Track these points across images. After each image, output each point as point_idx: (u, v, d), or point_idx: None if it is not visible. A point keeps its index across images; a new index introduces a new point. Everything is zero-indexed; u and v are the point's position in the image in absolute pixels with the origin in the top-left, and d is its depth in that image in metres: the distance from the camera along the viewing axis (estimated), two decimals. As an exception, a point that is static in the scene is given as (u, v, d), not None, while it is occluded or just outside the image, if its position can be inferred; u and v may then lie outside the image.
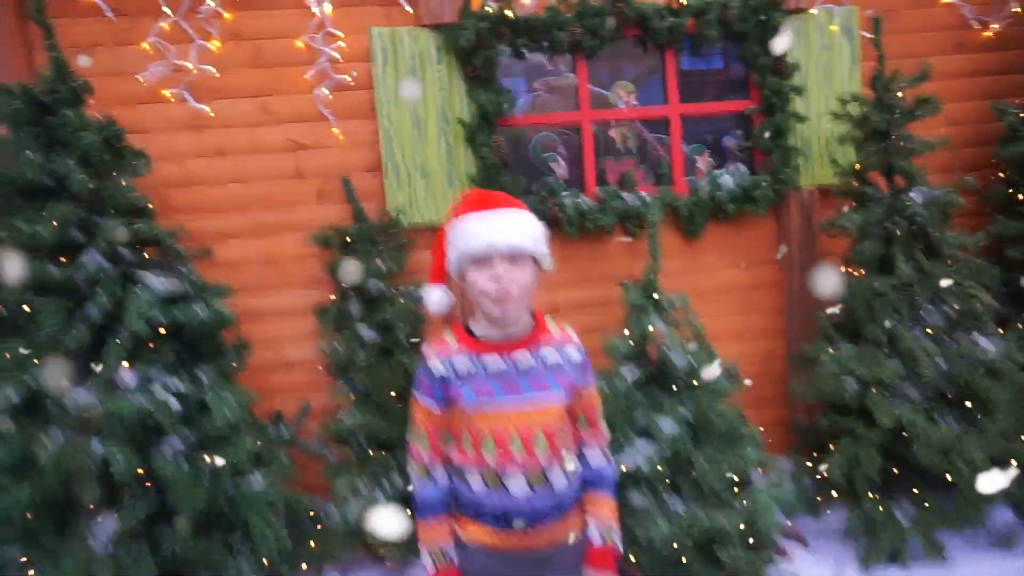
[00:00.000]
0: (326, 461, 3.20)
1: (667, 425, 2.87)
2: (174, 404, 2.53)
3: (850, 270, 3.48)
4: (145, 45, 3.18)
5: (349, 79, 3.35)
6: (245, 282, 3.36)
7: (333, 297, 3.18)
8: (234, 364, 2.91)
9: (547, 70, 3.57)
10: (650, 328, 2.95)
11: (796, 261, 3.85)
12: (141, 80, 3.18)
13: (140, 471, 2.42)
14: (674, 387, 2.96)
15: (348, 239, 3.22)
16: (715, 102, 3.76)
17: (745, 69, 3.76)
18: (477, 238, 1.74)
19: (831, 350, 3.33)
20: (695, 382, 2.96)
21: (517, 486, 1.86)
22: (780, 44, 3.21)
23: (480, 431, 1.85)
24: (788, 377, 3.96)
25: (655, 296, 3.07)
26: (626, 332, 3.09)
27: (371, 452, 3.02)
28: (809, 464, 3.49)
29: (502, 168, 3.42)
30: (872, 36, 3.69)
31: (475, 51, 3.29)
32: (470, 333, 1.89)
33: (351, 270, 3.04)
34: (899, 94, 3.16)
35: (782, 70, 3.63)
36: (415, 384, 1.92)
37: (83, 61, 3.02)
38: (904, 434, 3.07)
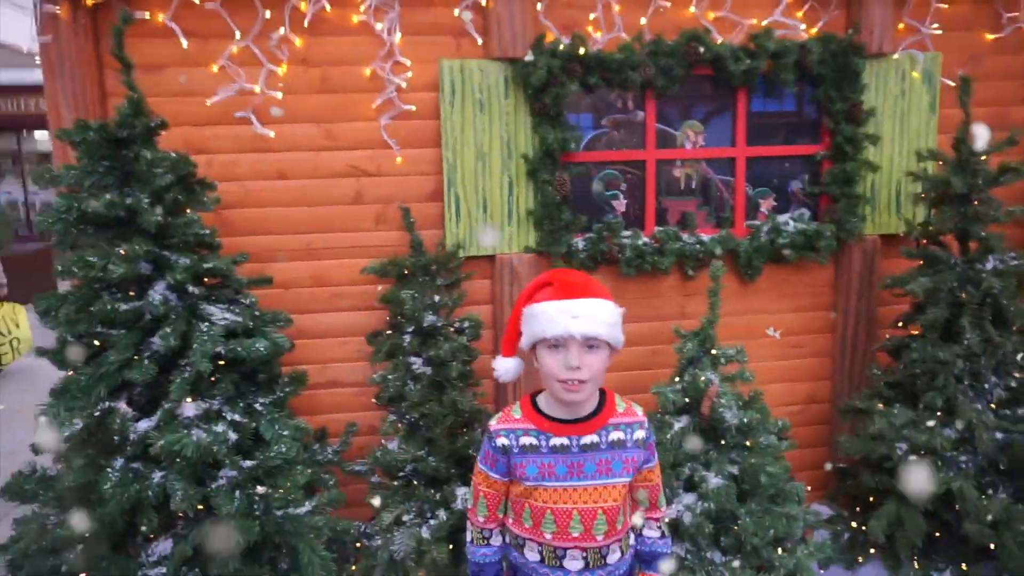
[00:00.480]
0: (370, 485, 3.24)
1: (714, 480, 2.85)
2: (231, 436, 2.57)
3: (911, 329, 3.40)
4: (214, 67, 3.19)
5: (415, 108, 3.32)
6: (297, 301, 3.39)
7: (389, 332, 3.18)
8: (288, 392, 2.94)
9: (615, 107, 3.50)
10: (704, 381, 2.92)
11: (852, 308, 3.77)
12: (208, 104, 3.19)
13: (199, 506, 2.47)
14: (723, 441, 2.93)
15: (405, 271, 3.22)
16: (784, 145, 3.66)
17: (818, 113, 3.65)
18: (554, 324, 1.74)
19: (881, 407, 3.27)
20: (747, 441, 2.92)
21: (574, 564, 1.88)
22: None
23: (541, 508, 1.87)
24: (829, 419, 3.92)
25: (712, 349, 3.03)
26: (676, 380, 3.06)
27: (417, 485, 3.05)
28: (845, 513, 3.45)
29: (563, 205, 3.38)
30: (954, 84, 3.57)
31: (545, 88, 3.23)
32: (537, 408, 1.89)
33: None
34: (983, 157, 3.04)
35: (857, 116, 3.52)
36: (480, 454, 1.94)
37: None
38: (951, 502, 3.02)
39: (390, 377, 3.10)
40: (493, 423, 1.92)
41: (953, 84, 3.66)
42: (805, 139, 3.68)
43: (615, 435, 1.86)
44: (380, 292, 3.29)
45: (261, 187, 3.32)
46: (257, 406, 2.76)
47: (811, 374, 3.91)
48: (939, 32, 3.60)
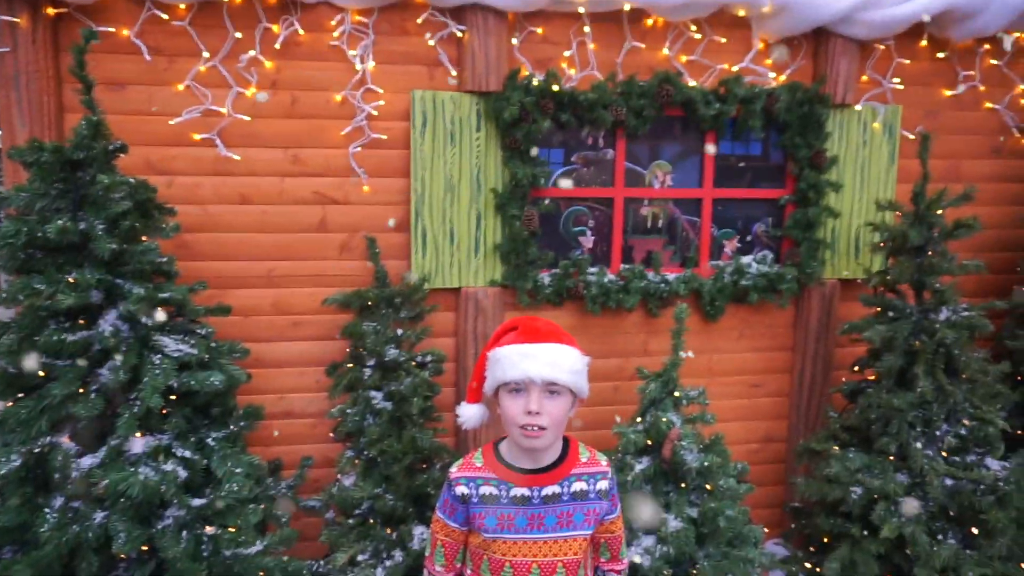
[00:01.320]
0: (325, 523, 3.16)
1: (673, 523, 2.84)
2: (181, 473, 2.47)
3: (866, 374, 3.47)
4: (180, 87, 3.10)
5: (385, 137, 3.28)
6: (256, 328, 3.31)
7: (349, 365, 3.11)
8: (242, 426, 2.85)
9: (586, 143, 3.51)
10: (666, 423, 2.92)
11: (810, 351, 3.83)
12: (172, 123, 3.10)
13: (143, 548, 2.37)
14: (683, 484, 2.94)
15: (368, 303, 3.16)
16: (750, 188, 3.72)
17: (783, 158, 3.72)
18: (515, 368, 1.72)
19: (836, 450, 3.32)
20: (707, 484, 2.93)
21: (534, 616, 1.85)
22: None
23: (499, 560, 1.83)
24: (785, 458, 3.97)
25: (674, 391, 3.03)
26: (638, 420, 3.05)
27: (373, 523, 2.97)
28: (800, 554, 3.49)
29: (530, 240, 3.37)
30: (913, 136, 3.69)
31: (517, 123, 3.23)
32: (499, 456, 1.86)
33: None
34: (939, 212, 3.13)
35: (820, 163, 3.60)
36: (439, 501, 1.90)
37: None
38: (903, 546, 3.08)
39: (349, 411, 3.03)
40: (453, 470, 1.88)
41: (912, 136, 3.79)
42: (770, 183, 3.75)
43: (578, 486, 1.84)
44: (342, 324, 3.22)
45: (223, 211, 3.23)
46: (209, 441, 2.66)
47: (769, 413, 3.96)
48: (900, 86, 3.71)
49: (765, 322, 3.86)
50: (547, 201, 3.43)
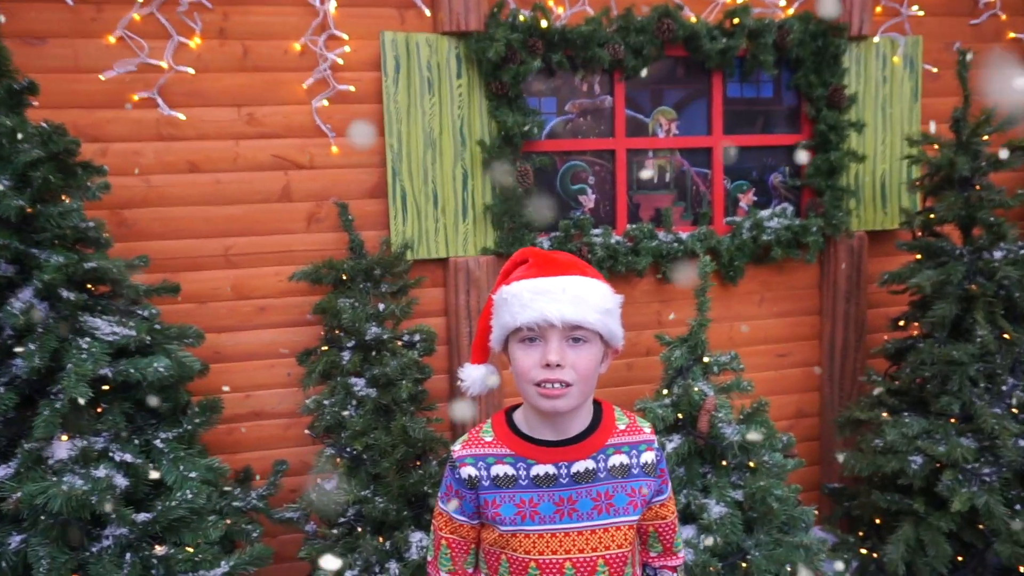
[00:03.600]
0: (305, 536, 2.69)
1: (716, 508, 2.42)
2: (120, 482, 2.01)
3: (911, 330, 3.09)
4: (111, 38, 2.67)
5: (353, 89, 2.87)
6: (215, 317, 2.85)
7: (324, 348, 2.67)
8: (197, 423, 2.39)
9: (581, 91, 3.12)
10: (698, 393, 2.51)
11: (840, 313, 3.45)
12: (102, 79, 2.66)
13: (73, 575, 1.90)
14: (724, 462, 2.52)
15: (343, 275, 2.73)
16: (763, 134, 3.35)
17: (797, 100, 3.36)
18: (527, 309, 1.31)
19: (887, 417, 2.92)
20: (750, 462, 2.52)
21: (568, 632, 1.42)
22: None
23: (522, 560, 1.41)
24: (819, 434, 3.58)
25: (703, 357, 2.63)
26: (665, 393, 2.64)
27: (361, 532, 2.52)
28: (851, 539, 3.07)
29: (525, 199, 2.96)
30: (936, 69, 3.35)
31: (503, 65, 2.83)
32: (514, 428, 1.44)
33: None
34: (985, 138, 2.77)
35: (839, 102, 3.24)
36: (440, 490, 1.48)
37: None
38: (975, 521, 2.68)
39: (326, 402, 2.58)
40: (457, 448, 1.46)
41: (936, 70, 3.45)
42: (784, 128, 3.38)
43: (617, 459, 1.42)
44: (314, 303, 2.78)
45: (169, 181, 2.79)
46: (158, 443, 2.20)
47: (799, 385, 3.56)
48: (920, 14, 3.37)
49: (788, 283, 3.47)
50: (541, 156, 3.03)
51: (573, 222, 3.05)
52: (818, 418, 3.58)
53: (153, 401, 2.15)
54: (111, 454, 2.06)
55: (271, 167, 2.87)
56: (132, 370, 2.09)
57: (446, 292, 3.03)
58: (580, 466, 1.39)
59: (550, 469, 1.38)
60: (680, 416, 2.54)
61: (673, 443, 2.53)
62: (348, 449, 2.52)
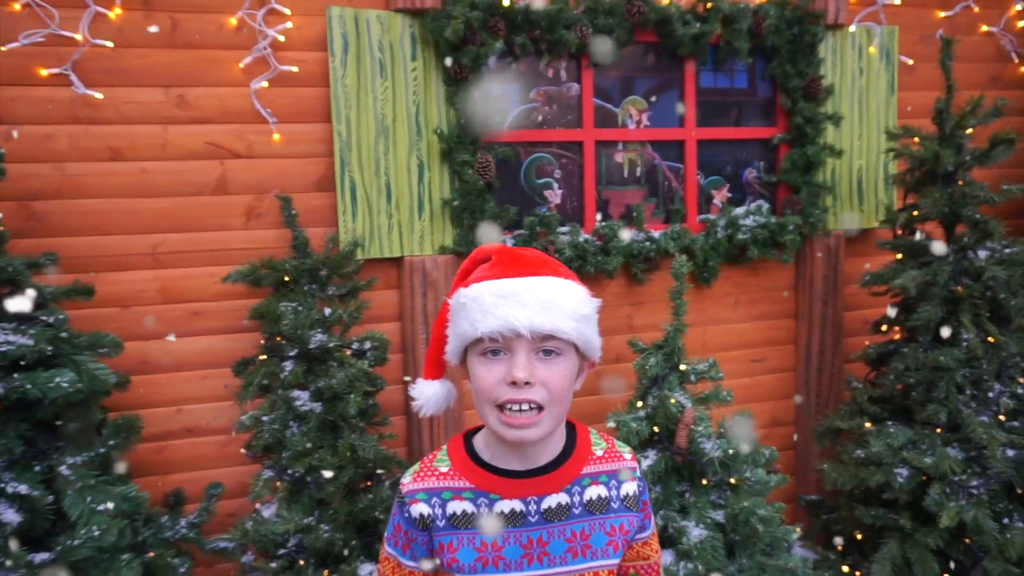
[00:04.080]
0: (240, 568, 2.41)
1: (696, 531, 2.22)
2: (11, 518, 1.71)
3: (894, 335, 2.95)
4: (16, 6, 2.35)
5: (296, 70, 2.60)
6: (141, 323, 2.55)
7: (263, 358, 2.39)
8: (112, 446, 2.09)
9: (546, 77, 2.90)
10: (675, 404, 2.31)
11: (816, 316, 3.30)
12: (5, 50, 2.34)
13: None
14: (703, 480, 2.33)
15: (285, 277, 2.45)
16: (738, 127, 3.18)
17: (772, 91, 3.20)
18: (489, 315, 1.09)
19: (870, 426, 2.78)
20: (732, 479, 2.33)
21: None
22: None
23: (485, 616, 1.17)
24: (794, 443, 3.42)
25: (679, 364, 2.43)
26: (639, 405, 2.44)
27: (304, 564, 2.25)
28: (832, 556, 2.91)
29: (487, 193, 2.73)
30: (912, 62, 3.23)
31: (461, 46, 2.59)
32: (474, 456, 1.20)
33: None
34: (969, 131, 2.64)
35: (816, 93, 3.08)
36: (387, 531, 1.23)
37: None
38: (962, 536, 2.55)
39: (265, 419, 2.31)
40: (407, 480, 1.22)
41: (911, 62, 3.33)
42: (759, 121, 3.21)
43: (594, 491, 1.21)
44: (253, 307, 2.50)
45: (87, 170, 2.48)
46: (63, 469, 1.91)
47: (774, 392, 3.40)
48: (896, 2, 3.24)
49: (763, 285, 3.31)
50: (504, 147, 2.80)
51: (539, 219, 2.83)
52: (793, 427, 3.43)
53: (58, 421, 1.85)
54: (2, 485, 1.75)
55: (204, 156, 2.58)
56: (29, 386, 1.79)
57: (401, 295, 2.78)
58: (552, 501, 1.17)
59: (517, 505, 1.16)
60: (656, 430, 2.33)
61: (648, 460, 2.32)
62: (289, 471, 2.25)
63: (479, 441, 1.23)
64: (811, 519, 3.21)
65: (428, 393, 1.26)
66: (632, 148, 3.05)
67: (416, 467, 1.23)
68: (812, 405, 3.35)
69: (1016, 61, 3.55)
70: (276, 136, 2.62)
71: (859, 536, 2.87)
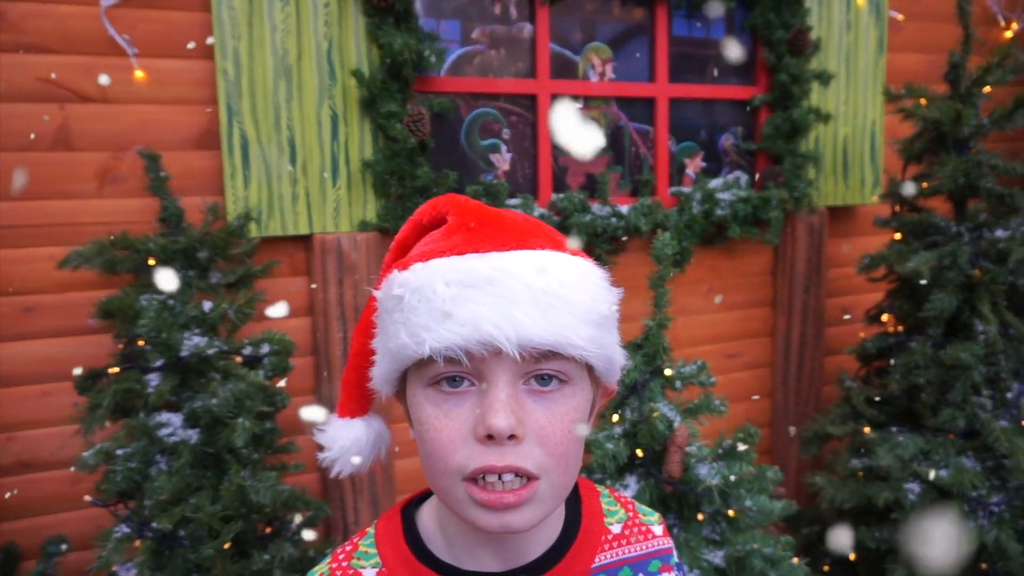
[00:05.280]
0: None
1: (688, 577, 1.77)
2: None
3: (889, 325, 2.58)
4: None
5: (164, -14, 1.97)
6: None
7: (117, 369, 1.76)
8: None
9: (492, 14, 2.35)
10: (660, 419, 1.84)
11: (797, 304, 2.90)
12: None
13: None
14: (699, 515, 1.87)
15: (151, 260, 1.83)
16: (715, 85, 2.72)
17: (753, 45, 2.76)
18: (445, 319, 0.63)
19: (868, 432, 2.39)
20: (730, 510, 1.87)
21: None
22: None
23: None
24: (768, 448, 3.04)
25: (664, 368, 1.96)
26: (615, 420, 1.96)
27: (179, 644, 1.65)
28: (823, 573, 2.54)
29: (419, 155, 2.16)
30: (903, 17, 2.86)
31: (386, -39, 2.02)
32: (419, 550, 0.74)
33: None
34: (987, 89, 2.26)
35: (802, 47, 2.66)
36: None
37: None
38: (979, 558, 2.20)
39: (120, 452, 1.69)
40: None
41: (902, 17, 2.95)
42: (738, 79, 2.77)
43: None
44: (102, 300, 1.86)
45: None
46: None
47: (749, 390, 3.00)
48: (888, -52, 2.86)
49: (739, 270, 2.89)
50: (440, 98, 2.24)
51: (484, 188, 2.29)
52: (769, 429, 3.03)
53: None
54: None
55: (39, 97, 1.91)
56: None
57: (309, 282, 2.19)
58: None
59: None
60: (639, 453, 1.85)
61: (629, 489, 1.84)
62: (153, 525, 1.64)
63: (427, 521, 0.75)
64: (790, 533, 2.83)
65: (345, 439, 0.76)
66: (595, 105, 2.55)
67: (323, 568, 0.72)
68: (791, 405, 2.97)
69: (1002, 24, 3.24)
70: (139, 73, 1.98)
71: (852, 556, 2.49)
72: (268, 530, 1.83)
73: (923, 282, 2.23)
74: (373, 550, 0.74)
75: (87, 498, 1.78)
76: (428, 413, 0.64)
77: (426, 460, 0.66)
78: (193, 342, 1.73)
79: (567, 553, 0.74)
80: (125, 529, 1.66)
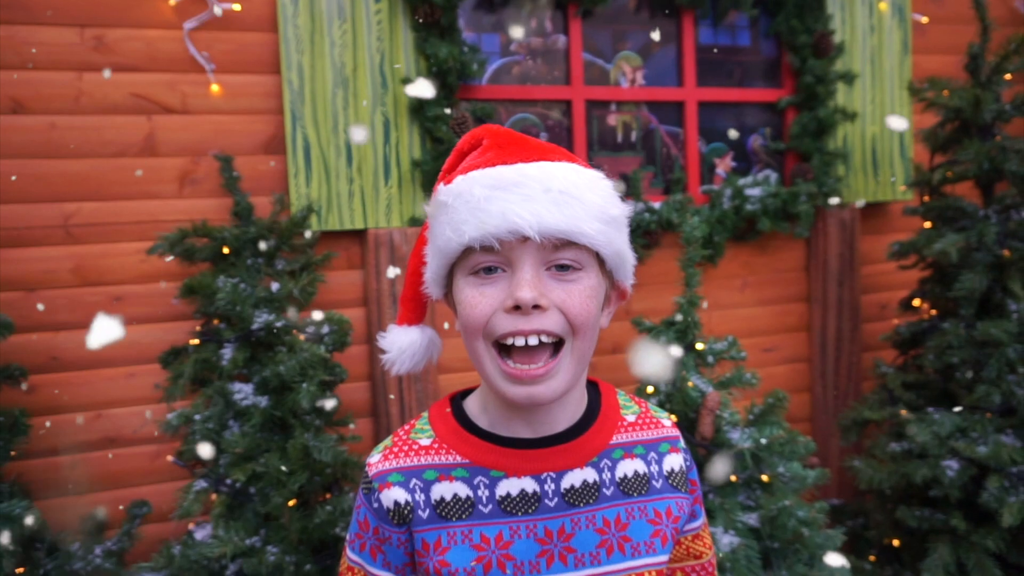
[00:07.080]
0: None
1: (726, 538, 1.84)
2: None
3: (923, 312, 2.63)
4: None
5: (238, 8, 2.22)
6: (51, 310, 2.12)
7: (196, 343, 1.96)
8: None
9: (530, 28, 2.56)
10: (694, 388, 1.94)
11: (832, 299, 2.97)
12: None
13: None
14: (732, 477, 1.95)
15: (225, 248, 2.05)
16: (741, 88, 2.86)
17: (778, 50, 2.90)
18: (480, 215, 0.78)
19: (905, 415, 2.43)
20: (763, 475, 1.95)
21: None
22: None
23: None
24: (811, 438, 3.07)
25: (695, 343, 2.07)
26: (649, 391, 2.07)
27: (249, 596, 1.81)
28: (867, 565, 2.55)
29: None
30: (926, 19, 2.97)
31: (432, -20, 2.25)
32: (466, 423, 0.88)
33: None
34: (1008, 76, 2.35)
35: (826, 49, 2.78)
36: (349, 533, 0.91)
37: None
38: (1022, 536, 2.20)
39: (197, 417, 1.88)
40: (375, 459, 0.88)
41: (926, 20, 3.06)
42: (764, 83, 2.90)
43: (629, 466, 0.89)
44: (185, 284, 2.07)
45: (-19, 127, 2.06)
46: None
47: (787, 384, 3.04)
48: (908, -46, 2.98)
49: (772, 265, 2.97)
50: (483, 104, 2.43)
51: (524, 186, 2.46)
52: (810, 423, 3.07)
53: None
54: None
55: (129, 110, 2.17)
56: None
57: (365, 274, 2.38)
58: (575, 478, 0.85)
59: (528, 485, 0.84)
60: (673, 418, 1.95)
61: (665, 454, 1.94)
62: (227, 481, 1.82)
63: (472, 403, 0.90)
64: (833, 526, 2.84)
65: (402, 342, 0.92)
66: (626, 109, 2.71)
67: (388, 442, 0.89)
68: (830, 398, 3.01)
69: (1029, 24, 3.31)
70: (215, 87, 2.23)
71: (896, 543, 2.51)
72: (327, 496, 1.98)
73: (952, 263, 2.29)
74: (428, 426, 0.89)
75: (170, 458, 1.97)
76: (468, 294, 0.79)
77: (464, 331, 0.81)
78: (263, 317, 1.92)
79: (588, 429, 0.88)
80: (203, 484, 1.83)
